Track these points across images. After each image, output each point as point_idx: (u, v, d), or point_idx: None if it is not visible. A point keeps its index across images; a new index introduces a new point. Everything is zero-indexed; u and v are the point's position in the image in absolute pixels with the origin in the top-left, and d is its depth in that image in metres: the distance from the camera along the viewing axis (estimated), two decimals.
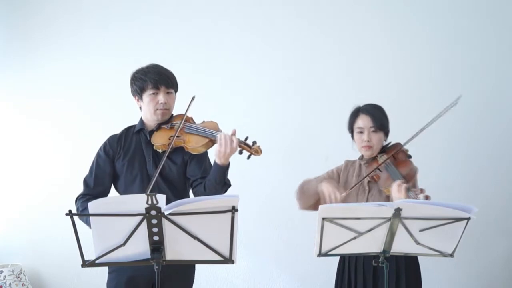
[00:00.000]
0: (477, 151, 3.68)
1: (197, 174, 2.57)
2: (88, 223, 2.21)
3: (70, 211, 1.92)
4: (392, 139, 2.79)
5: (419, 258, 2.63)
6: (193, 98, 2.49)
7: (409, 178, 2.53)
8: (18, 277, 3.72)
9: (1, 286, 3.64)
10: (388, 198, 2.58)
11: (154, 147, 2.54)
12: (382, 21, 3.80)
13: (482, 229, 3.50)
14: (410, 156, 2.68)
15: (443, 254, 2.18)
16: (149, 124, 2.62)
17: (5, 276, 3.67)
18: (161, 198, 1.89)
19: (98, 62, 3.96)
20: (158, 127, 2.59)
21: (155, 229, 1.94)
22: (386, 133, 2.73)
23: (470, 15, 3.74)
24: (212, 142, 2.49)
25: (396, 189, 2.44)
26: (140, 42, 3.92)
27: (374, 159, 2.69)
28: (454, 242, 2.15)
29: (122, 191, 2.60)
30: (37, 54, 4.02)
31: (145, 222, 1.92)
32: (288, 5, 3.87)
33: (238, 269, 3.73)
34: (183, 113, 2.55)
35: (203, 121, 2.61)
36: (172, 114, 2.63)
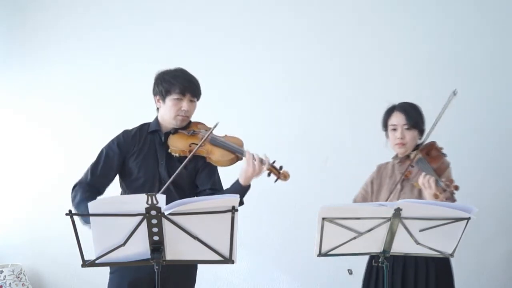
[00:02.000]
0: (477, 151, 3.67)
1: (206, 185, 2.57)
2: (86, 221, 2.21)
3: (70, 211, 1.92)
4: None
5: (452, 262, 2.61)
6: (216, 125, 2.48)
7: (440, 172, 2.48)
8: (18, 277, 3.72)
9: (1, 286, 3.65)
10: (419, 193, 2.56)
11: (169, 150, 2.52)
12: (382, 21, 3.80)
13: (482, 229, 3.50)
14: (445, 154, 2.64)
15: (443, 254, 2.18)
16: (165, 126, 2.59)
17: (5, 276, 3.68)
18: (161, 198, 1.89)
19: (97, 64, 3.97)
20: (175, 130, 2.57)
21: (155, 229, 1.93)
22: (421, 132, 2.71)
23: (472, 13, 3.74)
24: (237, 158, 2.49)
25: (426, 184, 2.40)
26: (139, 45, 3.93)
27: (407, 157, 2.66)
28: (454, 242, 2.15)
29: (132, 191, 2.54)
30: (37, 56, 4.04)
31: (145, 222, 1.92)
32: (288, 5, 3.88)
33: (238, 269, 3.74)
34: (204, 124, 2.58)
35: (225, 135, 2.59)
36: (190, 121, 2.62)
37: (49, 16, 4.05)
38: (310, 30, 3.84)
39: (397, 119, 2.69)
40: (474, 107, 3.68)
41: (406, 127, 2.66)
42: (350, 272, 3.62)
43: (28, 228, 3.95)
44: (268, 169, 2.47)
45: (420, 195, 2.55)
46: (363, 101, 3.74)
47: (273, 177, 2.49)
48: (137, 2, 4.01)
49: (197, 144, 2.47)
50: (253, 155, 2.43)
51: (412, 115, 2.67)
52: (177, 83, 2.52)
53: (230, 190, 2.47)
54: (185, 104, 2.53)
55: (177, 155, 2.51)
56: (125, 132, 2.61)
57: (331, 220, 2.07)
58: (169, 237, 1.97)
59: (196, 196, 2.59)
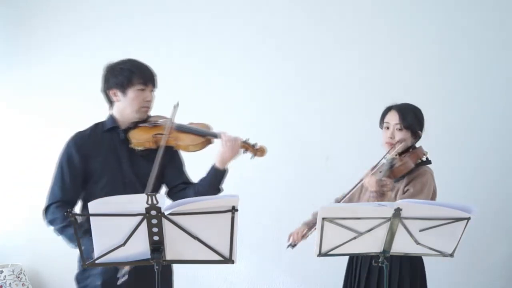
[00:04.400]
0: (477, 151, 3.67)
1: (178, 180, 2.48)
2: (67, 236, 2.27)
3: (70, 211, 1.92)
4: None
5: (424, 258, 2.62)
6: (177, 105, 2.39)
7: (396, 172, 2.52)
8: (18, 277, 3.72)
9: (1, 286, 3.64)
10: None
11: (132, 145, 2.39)
12: (382, 22, 3.79)
13: (482, 229, 3.50)
14: (428, 161, 2.63)
15: (443, 254, 2.18)
16: (122, 121, 2.45)
17: (5, 276, 3.68)
18: (161, 198, 1.89)
19: (98, 61, 3.94)
20: (135, 125, 2.44)
21: (155, 229, 1.93)
22: (415, 135, 2.66)
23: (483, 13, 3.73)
24: (208, 142, 2.42)
25: (368, 182, 2.49)
26: (142, 40, 3.91)
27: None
28: (454, 242, 2.15)
29: (93, 195, 2.28)
30: (38, 52, 4.03)
31: (145, 222, 1.91)
32: (291, 5, 3.87)
33: (238, 269, 3.74)
34: (162, 114, 2.47)
35: (190, 123, 2.50)
36: (148, 115, 2.50)
37: (48, 14, 4.04)
38: (310, 30, 3.84)
39: (391, 117, 2.67)
40: (474, 107, 3.68)
41: (398, 127, 2.63)
42: None
43: (28, 228, 3.95)
44: (243, 147, 2.41)
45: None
46: (364, 100, 3.74)
47: (249, 154, 2.44)
48: None
49: (161, 134, 2.37)
50: (226, 136, 2.37)
51: (407, 117, 2.63)
52: (139, 72, 2.39)
53: (208, 178, 2.41)
54: (148, 95, 2.41)
55: (140, 148, 2.38)
56: (79, 134, 2.47)
57: (331, 220, 2.07)
58: (169, 237, 1.96)
59: (170, 193, 2.51)
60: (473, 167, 3.66)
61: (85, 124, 3.85)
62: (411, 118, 2.63)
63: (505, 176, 3.65)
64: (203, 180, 2.44)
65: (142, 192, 2.26)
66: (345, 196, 2.70)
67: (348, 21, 3.82)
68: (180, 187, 2.47)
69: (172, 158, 2.48)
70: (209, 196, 2.03)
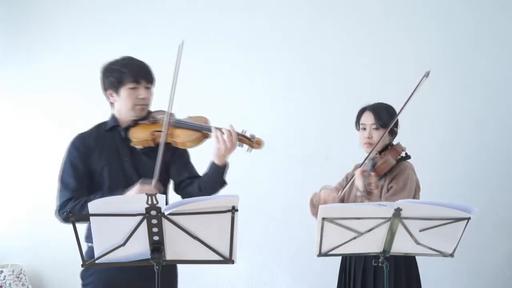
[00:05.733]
0: (478, 151, 3.67)
1: (184, 175, 2.48)
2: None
3: (70, 211, 1.92)
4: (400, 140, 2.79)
5: (424, 259, 2.63)
6: (181, 44, 2.34)
7: (378, 171, 2.60)
8: (18, 277, 3.72)
9: (1, 286, 3.64)
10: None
11: (132, 143, 2.39)
12: (382, 21, 3.80)
13: (482, 229, 3.50)
14: (407, 157, 2.69)
15: (443, 254, 2.19)
16: (123, 121, 2.45)
17: (5, 276, 3.67)
18: (161, 198, 1.89)
19: (99, 56, 3.92)
20: (135, 123, 2.43)
21: (155, 229, 1.94)
22: (392, 133, 2.73)
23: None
24: (205, 136, 2.39)
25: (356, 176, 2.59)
26: (141, 36, 3.90)
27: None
28: (454, 242, 2.15)
29: (97, 194, 2.35)
30: (37, 49, 4.00)
31: (145, 222, 1.92)
32: (293, 5, 3.87)
33: (238, 269, 3.73)
34: (164, 111, 2.42)
35: (189, 116, 2.47)
36: (150, 111, 2.48)
37: (45, 11, 4.03)
38: (310, 30, 3.84)
39: (366, 118, 2.73)
40: (473, 107, 3.68)
41: (374, 126, 2.70)
42: None
43: (28, 228, 3.95)
44: (238, 140, 2.36)
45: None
46: (364, 100, 3.73)
47: (245, 147, 2.39)
48: None
49: (160, 131, 2.34)
50: (220, 130, 2.33)
51: (382, 116, 2.70)
52: (128, 71, 2.37)
53: (208, 174, 2.40)
54: (142, 92, 2.39)
55: (140, 147, 2.38)
56: (79, 136, 2.48)
57: (331, 220, 2.07)
58: (169, 237, 1.97)
59: (177, 189, 2.52)
60: (474, 167, 3.66)
61: (86, 123, 3.88)
62: (385, 117, 2.70)
63: (506, 176, 3.65)
64: (206, 176, 2.43)
65: None
66: (341, 192, 2.74)
67: (350, 21, 3.82)
68: (186, 182, 2.47)
69: (175, 154, 2.46)
70: (209, 196, 2.04)
